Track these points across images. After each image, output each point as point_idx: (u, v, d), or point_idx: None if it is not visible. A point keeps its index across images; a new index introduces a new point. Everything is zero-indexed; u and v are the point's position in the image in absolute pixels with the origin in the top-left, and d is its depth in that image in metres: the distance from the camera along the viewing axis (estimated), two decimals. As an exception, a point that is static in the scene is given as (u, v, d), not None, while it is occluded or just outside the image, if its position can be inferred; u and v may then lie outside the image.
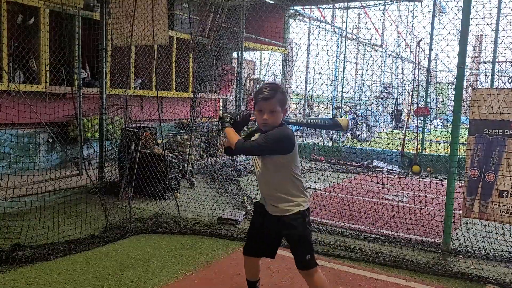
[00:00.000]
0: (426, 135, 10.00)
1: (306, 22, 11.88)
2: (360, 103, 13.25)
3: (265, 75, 12.47)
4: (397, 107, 13.69)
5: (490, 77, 8.61)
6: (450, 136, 4.08)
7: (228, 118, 2.74)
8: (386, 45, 16.47)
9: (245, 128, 3.01)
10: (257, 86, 11.55)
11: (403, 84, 14.49)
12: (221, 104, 11.02)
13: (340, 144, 10.71)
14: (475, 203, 4.00)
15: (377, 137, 11.18)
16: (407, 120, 8.03)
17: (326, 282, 2.74)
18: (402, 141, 7.13)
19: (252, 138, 2.77)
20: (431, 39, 9.16)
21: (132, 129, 6.13)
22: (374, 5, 11.23)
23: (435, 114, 14.52)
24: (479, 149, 3.96)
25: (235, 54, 10.16)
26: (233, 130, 2.71)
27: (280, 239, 2.84)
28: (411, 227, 4.74)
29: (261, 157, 2.68)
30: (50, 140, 6.84)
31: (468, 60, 9.71)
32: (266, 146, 2.54)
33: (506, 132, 3.86)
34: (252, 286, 3.00)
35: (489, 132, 3.92)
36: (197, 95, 7.53)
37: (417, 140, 6.97)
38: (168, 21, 6.43)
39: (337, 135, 11.18)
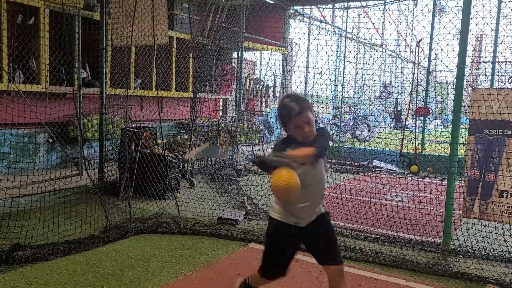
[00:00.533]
0: (426, 135, 10.00)
1: (306, 22, 11.89)
2: (360, 103, 13.25)
3: (265, 75, 12.47)
4: (397, 107, 13.70)
5: (490, 77, 8.61)
6: (450, 136, 4.07)
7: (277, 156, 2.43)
8: (386, 45, 16.47)
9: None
10: (257, 86, 11.55)
11: (403, 84, 14.51)
12: (221, 104, 11.03)
13: (340, 144, 10.71)
14: (475, 203, 4.00)
15: (377, 137, 11.18)
16: (406, 119, 8.04)
17: None
18: (401, 141, 7.12)
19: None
20: (431, 39, 9.16)
21: (132, 129, 6.13)
22: (374, 5, 11.24)
23: (435, 114, 14.53)
24: (479, 149, 3.96)
25: (235, 54, 10.16)
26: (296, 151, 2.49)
27: None
28: (411, 227, 4.74)
29: (318, 163, 2.57)
30: (50, 140, 6.84)
31: (468, 60, 9.71)
32: (328, 146, 2.60)
33: (506, 132, 3.86)
34: None
35: (489, 132, 3.92)
36: (197, 95, 7.53)
37: (415, 140, 6.97)
38: (168, 21, 6.44)
39: (337, 135, 11.19)
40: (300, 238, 2.66)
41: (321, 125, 2.83)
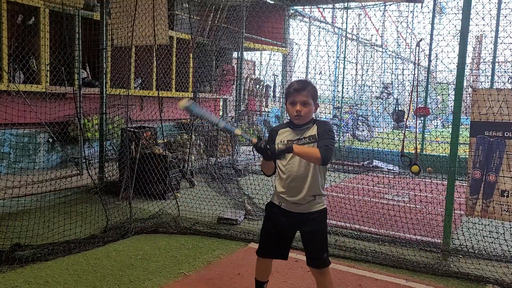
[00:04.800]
0: (426, 135, 10.00)
1: (306, 22, 11.89)
2: (360, 103, 13.24)
3: (265, 75, 12.46)
4: (398, 108, 13.68)
5: (490, 77, 8.61)
6: (450, 136, 4.08)
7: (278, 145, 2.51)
8: (386, 45, 16.47)
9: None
10: (257, 86, 11.54)
11: (403, 84, 14.50)
12: (221, 104, 11.03)
13: (340, 144, 10.71)
14: (477, 202, 4.03)
15: (377, 137, 11.18)
16: (407, 120, 8.03)
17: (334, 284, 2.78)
18: (402, 141, 7.12)
19: (280, 139, 2.65)
20: (431, 39, 9.16)
21: (132, 129, 6.13)
22: (374, 5, 11.23)
23: (435, 114, 14.52)
24: (480, 150, 3.98)
25: (235, 54, 10.16)
26: (298, 146, 2.53)
27: (292, 239, 2.82)
28: (411, 227, 4.74)
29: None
30: (50, 140, 6.84)
31: (468, 60, 9.70)
32: (333, 147, 2.57)
33: (506, 134, 3.87)
34: (260, 287, 2.96)
35: (490, 134, 3.94)
36: (197, 95, 7.53)
37: (416, 140, 6.96)
38: (169, 21, 6.44)
39: (337, 135, 11.18)
40: (288, 225, 2.72)
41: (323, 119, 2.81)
